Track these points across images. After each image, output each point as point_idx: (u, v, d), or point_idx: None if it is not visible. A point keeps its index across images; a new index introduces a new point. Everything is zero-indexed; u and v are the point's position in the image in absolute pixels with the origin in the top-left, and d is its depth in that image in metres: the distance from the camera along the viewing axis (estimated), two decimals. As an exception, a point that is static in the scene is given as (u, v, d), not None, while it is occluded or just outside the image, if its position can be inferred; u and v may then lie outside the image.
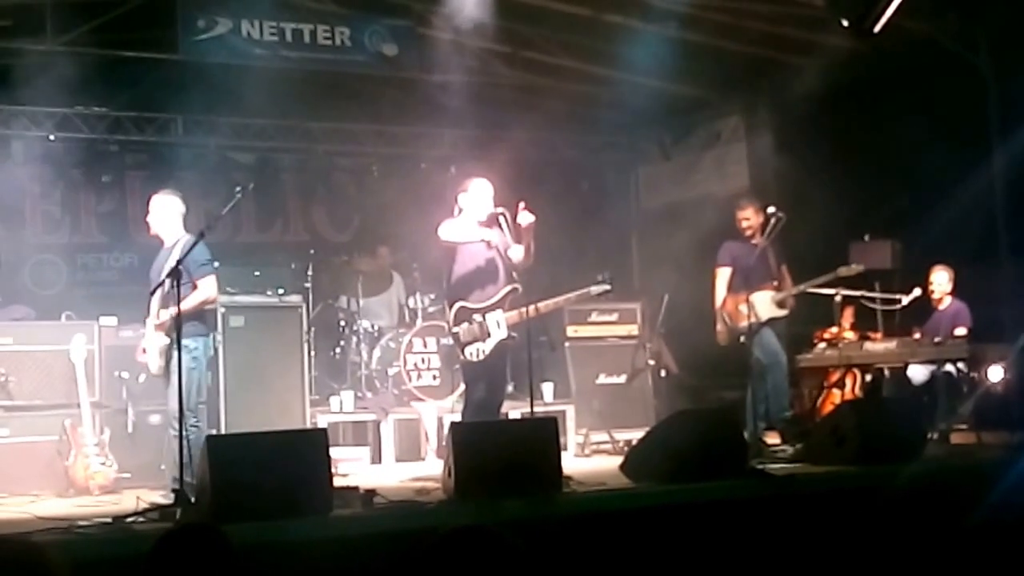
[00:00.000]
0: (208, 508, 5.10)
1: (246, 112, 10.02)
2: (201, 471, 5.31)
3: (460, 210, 6.73)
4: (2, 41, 8.15)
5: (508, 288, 6.65)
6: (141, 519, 5.32)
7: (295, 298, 8.08)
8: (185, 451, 5.63)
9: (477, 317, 6.58)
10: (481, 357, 6.57)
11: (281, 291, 6.82)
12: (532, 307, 6.54)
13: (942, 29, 8.35)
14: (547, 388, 8.83)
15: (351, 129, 10.98)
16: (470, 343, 6.57)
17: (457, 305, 6.63)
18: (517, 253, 6.57)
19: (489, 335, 6.57)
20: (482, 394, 6.64)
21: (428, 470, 7.31)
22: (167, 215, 6.64)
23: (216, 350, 7.20)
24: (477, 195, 6.69)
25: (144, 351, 6.55)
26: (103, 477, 6.88)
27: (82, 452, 6.92)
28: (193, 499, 5.40)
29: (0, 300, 7.97)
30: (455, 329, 6.62)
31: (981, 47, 8.38)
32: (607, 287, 6.90)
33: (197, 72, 8.98)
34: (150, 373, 6.58)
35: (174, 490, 5.63)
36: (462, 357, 6.63)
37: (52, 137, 9.67)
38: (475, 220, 6.68)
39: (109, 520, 5.31)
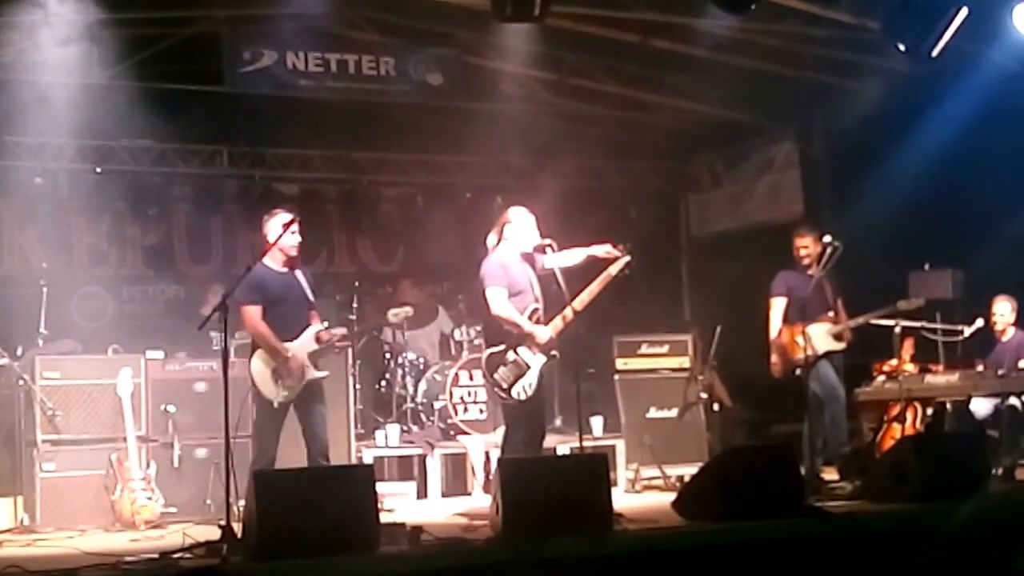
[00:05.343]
0: (254, 544, 5.04)
1: (291, 143, 10.05)
2: (248, 507, 5.25)
3: (498, 240, 6.57)
4: (49, 75, 8.22)
5: (530, 309, 6.41)
6: (187, 555, 5.27)
7: (340, 330, 7.99)
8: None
9: (509, 355, 6.35)
10: (532, 391, 6.34)
11: (326, 324, 6.80)
12: (567, 313, 6.28)
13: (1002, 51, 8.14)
14: (596, 422, 8.68)
15: (396, 159, 10.98)
16: (514, 383, 6.33)
17: (487, 353, 6.42)
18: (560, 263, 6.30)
19: (529, 366, 6.38)
20: (524, 432, 6.44)
21: (475, 505, 7.21)
22: None
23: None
24: (521, 225, 6.54)
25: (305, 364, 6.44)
26: (149, 511, 6.85)
27: (128, 486, 6.89)
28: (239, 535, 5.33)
29: (48, 334, 7.97)
30: (495, 376, 6.35)
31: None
32: (627, 258, 6.45)
33: (242, 104, 9.01)
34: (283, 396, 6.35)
35: (220, 525, 5.56)
36: (510, 400, 6.34)
37: (98, 170, 9.75)
38: (519, 251, 6.54)
39: (156, 556, 5.28)
